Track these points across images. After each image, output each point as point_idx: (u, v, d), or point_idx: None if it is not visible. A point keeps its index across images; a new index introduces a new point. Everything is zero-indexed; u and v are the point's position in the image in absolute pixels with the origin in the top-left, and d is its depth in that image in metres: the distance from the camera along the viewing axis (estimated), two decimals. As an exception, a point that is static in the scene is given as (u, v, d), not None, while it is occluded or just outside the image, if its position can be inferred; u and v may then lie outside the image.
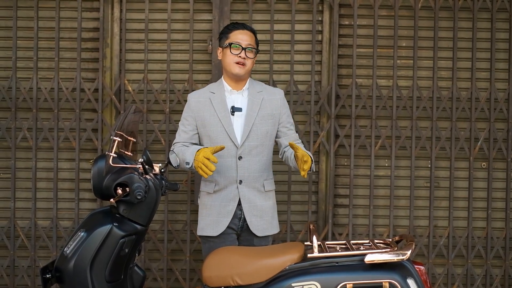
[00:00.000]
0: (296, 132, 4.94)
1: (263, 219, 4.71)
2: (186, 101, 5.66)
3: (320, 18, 5.95)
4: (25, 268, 5.92)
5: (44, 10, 5.91)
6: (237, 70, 4.64)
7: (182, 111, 5.52)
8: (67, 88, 5.82)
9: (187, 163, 4.48)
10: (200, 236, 4.80)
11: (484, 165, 6.02)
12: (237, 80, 4.71)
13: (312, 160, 4.44)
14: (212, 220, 4.69)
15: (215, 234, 4.66)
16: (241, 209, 4.68)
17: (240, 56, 4.63)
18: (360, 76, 5.96)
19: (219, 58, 4.78)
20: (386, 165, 6.00)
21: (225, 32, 4.74)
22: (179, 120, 5.35)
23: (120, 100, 5.86)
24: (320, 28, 5.95)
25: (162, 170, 4.50)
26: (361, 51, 5.95)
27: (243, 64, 4.64)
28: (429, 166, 5.95)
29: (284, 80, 5.91)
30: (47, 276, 4.06)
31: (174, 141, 4.80)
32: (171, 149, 4.75)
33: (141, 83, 5.84)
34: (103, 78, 5.84)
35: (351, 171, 5.90)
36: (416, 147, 5.90)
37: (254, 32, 4.76)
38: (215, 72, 5.82)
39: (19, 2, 5.88)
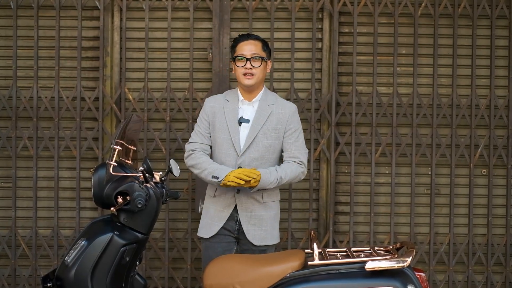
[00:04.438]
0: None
1: (261, 228, 4.71)
2: (186, 109, 5.71)
3: (320, 26, 5.96)
4: (26, 277, 5.91)
5: (44, 19, 5.92)
6: (246, 81, 4.68)
7: (183, 119, 5.57)
8: (67, 97, 5.83)
9: (215, 177, 4.57)
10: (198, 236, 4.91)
11: (484, 172, 6.03)
12: (250, 91, 4.74)
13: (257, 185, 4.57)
14: (206, 222, 4.78)
15: (207, 236, 4.75)
16: (237, 212, 4.71)
17: (246, 68, 4.66)
18: (360, 84, 5.97)
19: (234, 72, 4.81)
20: (387, 172, 6.01)
21: (232, 46, 4.80)
22: (180, 129, 5.37)
23: (121, 109, 5.87)
24: (320, 36, 5.96)
25: (163, 179, 4.50)
26: (361, 58, 5.96)
27: (251, 75, 4.66)
28: (430, 173, 5.95)
29: (285, 88, 5.91)
30: (48, 285, 4.08)
31: (189, 141, 4.82)
32: (190, 148, 4.77)
33: (141, 92, 5.84)
34: (103, 87, 5.84)
35: (351, 179, 5.91)
36: (416, 154, 5.90)
37: (260, 39, 4.78)
38: (216, 80, 5.82)
39: (19, 11, 5.89)
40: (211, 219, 4.74)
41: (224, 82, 5.81)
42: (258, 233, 4.70)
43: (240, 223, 4.70)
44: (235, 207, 4.70)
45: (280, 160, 4.84)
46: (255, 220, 4.70)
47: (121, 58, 5.91)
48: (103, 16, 5.85)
